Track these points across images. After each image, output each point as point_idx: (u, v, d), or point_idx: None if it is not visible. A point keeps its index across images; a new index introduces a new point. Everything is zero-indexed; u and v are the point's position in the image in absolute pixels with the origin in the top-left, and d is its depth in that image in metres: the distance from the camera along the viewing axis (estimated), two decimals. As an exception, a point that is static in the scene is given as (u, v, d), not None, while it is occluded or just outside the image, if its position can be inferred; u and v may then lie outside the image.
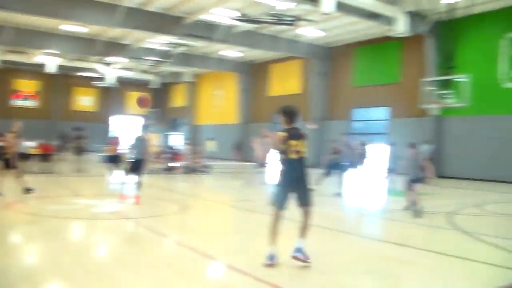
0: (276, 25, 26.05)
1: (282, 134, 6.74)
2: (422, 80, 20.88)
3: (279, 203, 6.76)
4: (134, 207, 12.00)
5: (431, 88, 20.37)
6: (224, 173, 27.02)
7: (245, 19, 25.02)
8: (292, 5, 22.82)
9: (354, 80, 32.73)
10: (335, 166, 16.44)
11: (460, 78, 19.30)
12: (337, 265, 6.82)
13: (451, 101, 19.21)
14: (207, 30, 28.65)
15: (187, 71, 44.55)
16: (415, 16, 24.75)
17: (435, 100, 19.76)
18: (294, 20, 24.14)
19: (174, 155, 26.01)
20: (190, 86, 49.44)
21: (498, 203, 15.15)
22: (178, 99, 53.23)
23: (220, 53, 37.46)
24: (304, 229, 6.82)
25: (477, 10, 23.62)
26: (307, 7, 23.11)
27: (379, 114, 31.51)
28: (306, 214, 6.85)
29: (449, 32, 20.25)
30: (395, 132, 28.90)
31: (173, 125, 54.31)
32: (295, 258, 6.66)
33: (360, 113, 33.10)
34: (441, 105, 19.34)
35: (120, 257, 7.06)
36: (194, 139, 44.11)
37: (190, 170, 24.97)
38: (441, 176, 24.74)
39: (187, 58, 38.00)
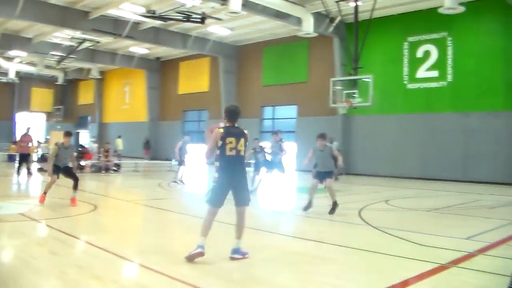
0: (184, 23, 25.95)
1: (220, 130, 6.82)
2: (330, 80, 21.53)
3: (215, 200, 6.84)
4: (42, 208, 11.60)
5: (338, 87, 21.00)
6: (135, 171, 26.65)
7: (153, 15, 24.75)
8: (200, 2, 22.83)
9: (263, 78, 33.19)
10: (264, 165, 16.42)
11: (365, 78, 20.04)
12: (252, 262, 6.81)
13: (357, 101, 19.87)
14: (114, 26, 28.07)
15: (94, 68, 43.40)
16: (322, 17, 25.40)
17: (342, 100, 20.37)
18: (202, 18, 24.15)
19: (83, 153, 25.35)
20: (98, 83, 48.25)
21: (403, 198, 15.82)
22: (86, 96, 51.75)
23: (128, 49, 36.75)
24: (240, 230, 6.95)
25: (380, 13, 24.55)
26: (216, 5, 23.19)
27: (288, 112, 32.17)
28: (241, 214, 6.99)
29: (355, 33, 20.98)
30: (303, 130, 29.63)
31: (81, 123, 52.87)
32: (233, 259, 6.75)
33: (270, 112, 33.66)
34: (348, 104, 19.96)
35: (28, 261, 6.67)
36: (101, 137, 43.24)
37: (100, 168, 24.48)
38: (349, 173, 25.64)
39: (93, 54, 37.00)
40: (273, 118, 33.54)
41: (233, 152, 6.81)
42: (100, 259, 6.88)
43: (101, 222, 10.58)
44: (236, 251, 6.86)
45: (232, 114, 7.01)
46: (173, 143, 39.23)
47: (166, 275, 6.01)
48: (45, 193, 12.20)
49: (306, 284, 5.94)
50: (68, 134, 12.53)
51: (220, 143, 6.77)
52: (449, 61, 24.24)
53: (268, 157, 16.37)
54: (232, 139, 6.81)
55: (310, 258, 7.33)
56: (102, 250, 7.31)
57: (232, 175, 6.87)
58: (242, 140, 6.91)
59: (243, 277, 6.19)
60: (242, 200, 6.99)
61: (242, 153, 6.90)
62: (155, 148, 40.31)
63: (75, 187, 12.21)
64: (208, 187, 7.14)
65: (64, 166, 12.29)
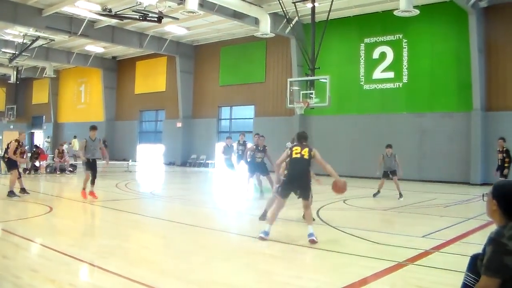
0: (141, 22, 25.64)
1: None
2: (287, 80, 21.61)
3: (283, 194, 8.72)
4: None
5: (295, 88, 21.07)
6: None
7: (109, 14, 24.36)
8: (157, 1, 22.61)
9: (220, 78, 33.11)
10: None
11: (322, 79, 20.17)
12: (211, 262, 6.77)
13: (314, 101, 19.96)
14: (69, 24, 27.54)
15: (48, 66, 42.35)
16: (280, 18, 25.49)
17: (299, 100, 20.43)
18: (159, 17, 23.90)
19: (38, 154, 24.76)
20: (53, 82, 47.20)
21: (361, 197, 15.98)
22: (40, 96, 50.53)
23: (84, 48, 36.01)
24: (307, 218, 8.82)
25: (337, 15, 24.78)
26: (173, 4, 23.00)
27: (245, 112, 32.19)
28: (304, 206, 8.79)
29: (312, 34, 21.10)
30: (261, 130, 29.63)
31: (35, 123, 51.69)
32: (312, 241, 8.12)
33: (227, 112, 33.62)
34: (305, 104, 20.02)
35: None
36: (56, 138, 42.41)
37: (55, 169, 23.99)
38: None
39: (48, 52, 36.24)
40: (230, 118, 33.50)
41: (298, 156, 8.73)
42: (56, 262, 6.70)
43: (56, 224, 10.34)
44: (311, 235, 8.21)
45: (298, 137, 9.19)
46: (130, 143, 39.05)
47: (124, 277, 5.90)
48: (84, 188, 13.60)
49: (265, 284, 5.92)
50: (94, 128, 14.12)
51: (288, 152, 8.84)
52: (405, 62, 24.69)
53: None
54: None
55: (268, 258, 7.34)
56: (57, 253, 7.13)
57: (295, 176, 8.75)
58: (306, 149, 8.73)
59: (202, 278, 6.10)
60: (304, 195, 8.73)
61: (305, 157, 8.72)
62: (112, 149, 39.68)
63: (94, 181, 13.75)
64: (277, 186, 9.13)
65: (93, 158, 13.74)
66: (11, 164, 14.27)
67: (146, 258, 6.27)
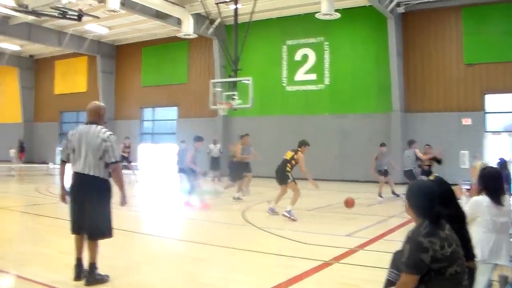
0: (60, 19, 24.85)
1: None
2: (209, 81, 21.53)
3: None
4: None
5: (218, 89, 21.03)
6: (8, 176, 25.12)
7: (25, 10, 23.42)
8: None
9: (142, 79, 32.63)
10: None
11: (245, 80, 20.24)
12: (135, 266, 6.61)
13: (237, 102, 19.99)
14: (-21, 20, 26.33)
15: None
16: (202, 18, 25.39)
17: (222, 101, 20.40)
18: (78, 15, 23.25)
19: None
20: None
21: (284, 198, 15.99)
22: None
23: (-3, 45, 34.47)
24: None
25: (260, 16, 24.86)
26: (93, 2, 22.47)
27: (168, 114, 31.87)
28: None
29: (234, 35, 21.13)
30: (184, 131, 29.47)
31: None
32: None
33: (150, 113, 33.18)
34: (227, 106, 20.02)
35: None
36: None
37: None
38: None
39: (-45, 49, 34.45)
40: (153, 120, 33.10)
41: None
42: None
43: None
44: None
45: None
46: (50, 145, 37.70)
47: (46, 285, 5.68)
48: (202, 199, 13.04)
49: (189, 286, 5.87)
50: (199, 138, 13.63)
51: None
52: (326, 65, 25.19)
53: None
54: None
55: (193, 260, 7.26)
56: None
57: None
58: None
59: (125, 282, 5.95)
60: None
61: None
62: (30, 151, 38.21)
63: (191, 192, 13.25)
64: None
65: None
66: None
67: (69, 264, 6.01)
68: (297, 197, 11.48)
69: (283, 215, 11.01)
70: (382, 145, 17.02)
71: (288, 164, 11.65)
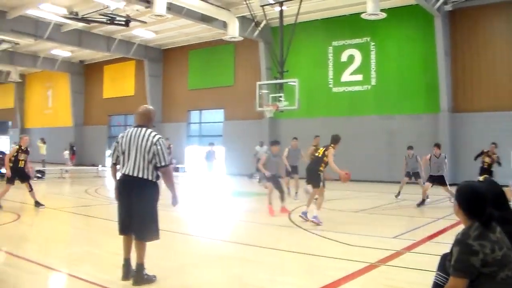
0: (108, 25, 25.39)
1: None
2: (256, 83, 21.58)
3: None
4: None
5: (264, 91, 21.08)
6: (60, 178, 25.76)
7: (75, 17, 24.04)
8: (124, 5, 22.39)
9: (189, 82, 32.97)
10: None
11: (291, 82, 20.23)
12: (184, 268, 6.70)
13: (283, 104, 20.00)
14: (34, 27, 27.06)
15: (13, 70, 41.45)
16: (248, 21, 25.46)
17: (269, 103, 20.44)
18: (126, 21, 23.70)
19: (3, 160, 24.15)
20: (18, 87, 46.26)
21: (331, 200, 15.81)
22: (5, 101, 49.28)
23: (50, 52, 35.33)
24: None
25: (305, 18, 24.81)
26: (140, 8, 22.84)
27: (215, 116, 32.10)
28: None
29: (280, 37, 21.15)
30: (231, 134, 29.68)
31: (0, 129, 50.55)
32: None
33: (196, 116, 33.50)
34: (274, 107, 20.06)
35: None
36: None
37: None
38: (279, 177, 25.68)
39: (12, 56, 35.36)
40: (200, 122, 33.42)
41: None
42: (24, 270, 6.54)
43: (25, 232, 10.09)
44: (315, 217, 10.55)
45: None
46: (98, 148, 38.51)
47: (96, 284, 5.81)
48: (270, 203, 12.42)
49: (237, 288, 5.89)
50: (276, 143, 13.51)
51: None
52: (372, 65, 24.92)
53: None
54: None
55: (240, 262, 7.29)
56: (25, 261, 6.99)
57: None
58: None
59: (172, 283, 6.04)
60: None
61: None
62: (80, 154, 39.17)
63: (282, 197, 12.72)
64: None
65: (273, 174, 12.76)
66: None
67: (117, 264, 6.15)
68: (322, 201, 11.03)
69: (312, 221, 10.49)
70: (409, 148, 16.73)
71: (322, 164, 11.04)
